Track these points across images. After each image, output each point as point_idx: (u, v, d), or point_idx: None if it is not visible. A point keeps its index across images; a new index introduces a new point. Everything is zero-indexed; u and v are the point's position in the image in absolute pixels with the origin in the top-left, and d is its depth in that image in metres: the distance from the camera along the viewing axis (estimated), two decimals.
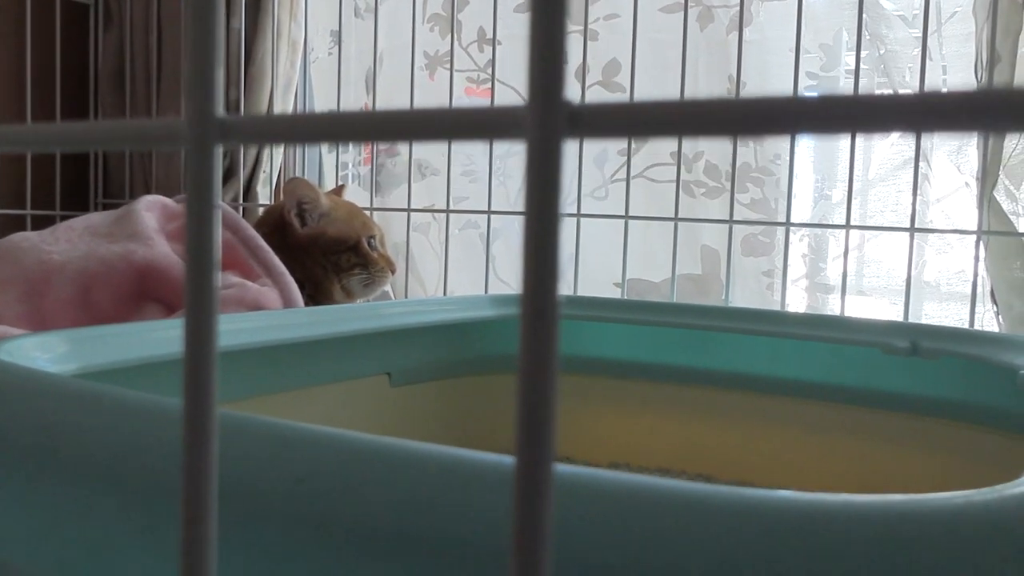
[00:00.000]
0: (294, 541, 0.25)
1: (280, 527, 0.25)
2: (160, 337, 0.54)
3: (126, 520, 0.29)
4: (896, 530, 0.21)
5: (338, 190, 1.16)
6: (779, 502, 0.22)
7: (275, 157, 1.34)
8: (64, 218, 0.97)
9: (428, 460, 0.25)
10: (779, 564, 0.20)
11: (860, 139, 1.12)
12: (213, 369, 0.13)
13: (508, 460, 0.24)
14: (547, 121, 0.10)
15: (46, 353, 0.46)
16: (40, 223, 1.24)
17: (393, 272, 1.06)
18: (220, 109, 0.13)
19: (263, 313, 0.75)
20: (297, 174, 1.42)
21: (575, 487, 0.23)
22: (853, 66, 0.94)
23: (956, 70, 1.05)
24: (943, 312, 1.11)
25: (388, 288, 1.26)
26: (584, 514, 0.22)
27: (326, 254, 1.02)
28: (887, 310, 1.15)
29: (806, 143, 1.19)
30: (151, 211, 0.95)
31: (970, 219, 0.91)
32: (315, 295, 1.01)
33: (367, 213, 1.11)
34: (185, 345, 0.14)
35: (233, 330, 0.61)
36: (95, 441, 0.31)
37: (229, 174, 1.34)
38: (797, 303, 1.18)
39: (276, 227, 1.02)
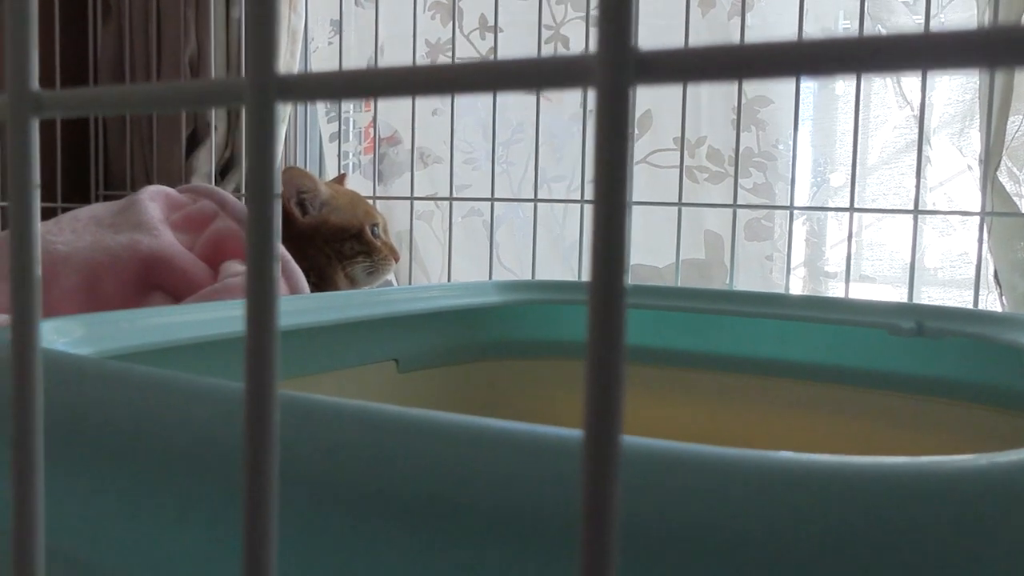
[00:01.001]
0: (326, 512, 0.25)
1: (312, 498, 0.25)
2: (174, 322, 0.54)
3: (154, 499, 0.29)
4: (929, 491, 0.22)
5: (339, 179, 1.16)
6: (828, 466, 0.22)
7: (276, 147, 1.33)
8: (66, 210, 0.97)
9: (468, 431, 0.25)
10: (829, 527, 0.21)
11: (860, 122, 1.13)
12: (274, 320, 0.13)
13: (556, 432, 0.25)
14: (617, 67, 0.10)
15: (63, 337, 0.46)
16: (42, 215, 1.23)
17: (397, 260, 1.07)
18: (279, 67, 0.13)
19: None
20: (299, 163, 1.42)
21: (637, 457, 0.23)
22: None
23: None
24: (946, 296, 1.11)
25: (392, 277, 1.26)
26: (648, 484, 0.22)
27: (329, 242, 1.02)
28: (890, 295, 1.15)
29: (806, 126, 1.19)
30: (155, 201, 0.95)
31: (973, 202, 0.91)
32: (319, 284, 1.01)
33: (370, 202, 1.11)
34: (247, 307, 0.14)
35: (238, 316, 0.61)
36: (129, 421, 0.31)
37: (231, 165, 1.34)
38: (798, 289, 1.19)
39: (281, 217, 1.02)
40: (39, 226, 0.14)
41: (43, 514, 0.15)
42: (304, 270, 0.90)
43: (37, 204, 0.15)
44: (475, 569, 0.22)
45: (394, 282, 1.31)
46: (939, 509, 0.21)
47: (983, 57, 0.09)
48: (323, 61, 1.42)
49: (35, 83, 0.14)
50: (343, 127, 1.40)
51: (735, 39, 1.01)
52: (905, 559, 0.20)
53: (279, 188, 0.13)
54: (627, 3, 0.10)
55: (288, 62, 1.32)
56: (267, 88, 0.13)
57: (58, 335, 0.46)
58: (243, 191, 1.30)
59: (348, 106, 1.43)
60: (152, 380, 0.32)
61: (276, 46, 0.13)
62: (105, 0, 1.46)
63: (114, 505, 0.29)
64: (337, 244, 1.02)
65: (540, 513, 0.22)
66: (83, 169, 1.47)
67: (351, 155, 1.45)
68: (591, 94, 0.11)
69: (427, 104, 1.30)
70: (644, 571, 0.21)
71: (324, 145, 1.42)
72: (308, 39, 1.39)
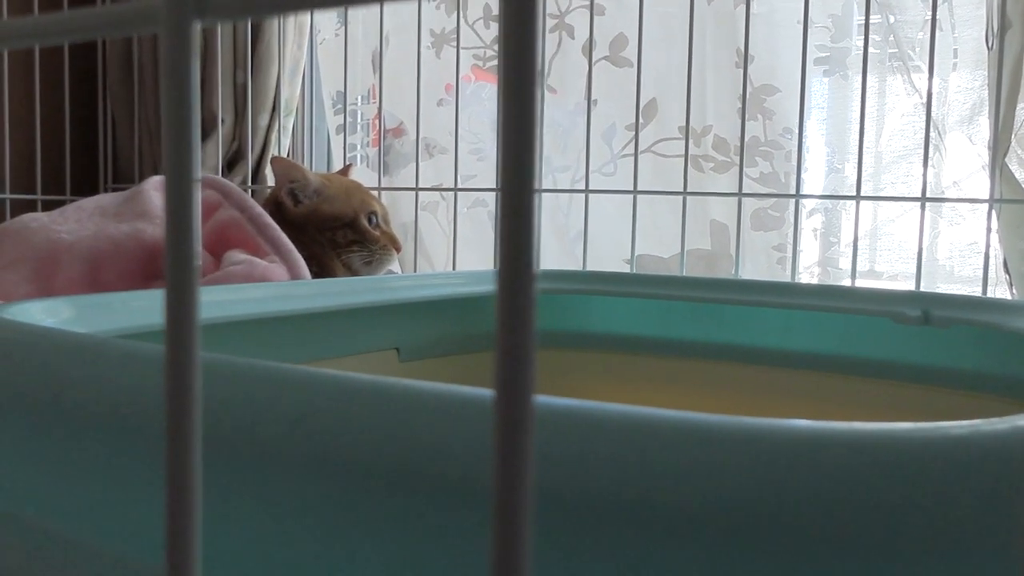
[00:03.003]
0: (291, 480, 0.24)
1: (277, 467, 0.25)
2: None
3: (131, 469, 0.29)
4: (909, 456, 0.21)
5: (344, 170, 1.15)
6: (767, 428, 0.21)
7: (283, 139, 1.33)
8: (74, 202, 0.97)
9: (419, 396, 0.25)
10: (768, 489, 0.20)
11: (872, 112, 1.11)
12: (193, 260, 0.12)
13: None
14: (179, 7, 0.10)
15: (52, 317, 0.46)
16: (50, 208, 1.24)
17: (398, 251, 1.06)
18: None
19: (269, 284, 0.75)
20: (306, 156, 1.42)
21: (555, 419, 0.22)
22: (862, 36, 0.93)
23: (967, 38, 1.04)
24: (956, 290, 1.10)
25: (396, 268, 1.26)
26: (564, 444, 0.21)
27: (321, 231, 1.02)
28: (900, 287, 1.14)
29: (818, 116, 1.18)
30: (159, 191, 0.95)
31: (983, 192, 0.90)
32: (320, 273, 1.01)
33: (373, 193, 1.11)
34: (167, 246, 0.13)
35: (239, 300, 0.61)
36: (97, 391, 0.31)
37: (237, 157, 1.34)
38: (808, 281, 1.17)
39: (274, 208, 1.02)
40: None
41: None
42: (305, 259, 0.89)
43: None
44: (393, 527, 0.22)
45: (398, 270, 1.31)
46: (917, 474, 0.20)
47: None
48: (330, 53, 1.42)
49: None
50: (350, 119, 1.40)
51: (741, 27, 1.00)
52: (895, 524, 0.19)
53: (197, 117, 0.13)
54: None
55: (295, 54, 1.32)
56: (183, 5, 0.12)
57: (47, 315, 0.46)
58: (249, 184, 1.30)
59: (355, 98, 1.43)
60: (88, 345, 0.32)
61: None
62: None
63: (54, 468, 0.28)
64: (329, 232, 1.02)
65: (463, 474, 0.22)
66: (92, 162, 1.47)
67: (358, 147, 1.45)
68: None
69: (432, 95, 1.30)
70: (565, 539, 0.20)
71: (331, 138, 1.42)
72: (315, 31, 1.39)
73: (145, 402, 0.29)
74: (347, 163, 1.22)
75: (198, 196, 0.13)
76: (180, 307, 0.14)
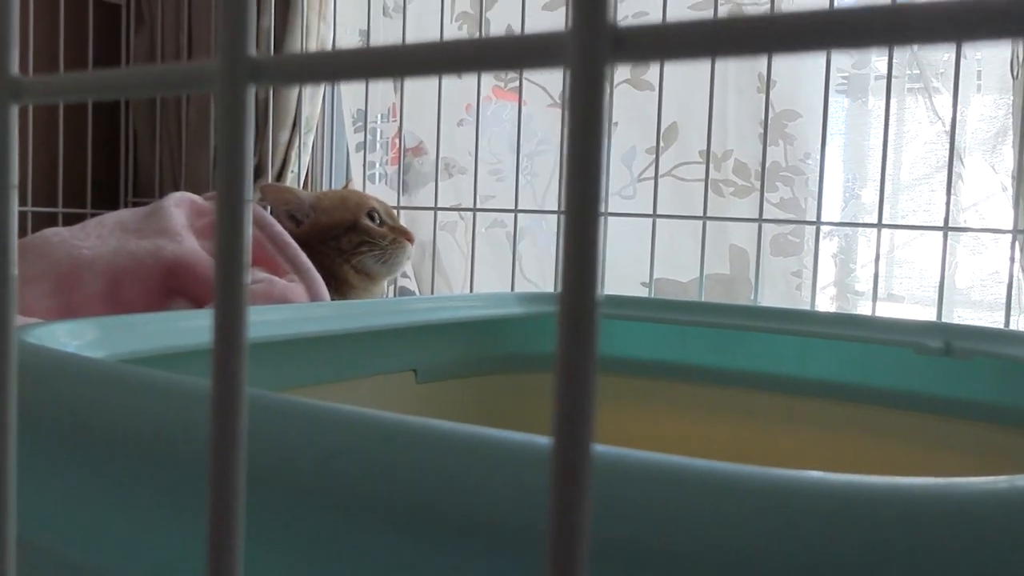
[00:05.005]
0: (326, 518, 0.24)
1: (312, 505, 0.25)
2: (189, 326, 0.54)
3: (158, 501, 0.29)
4: (941, 511, 0.21)
5: (344, 187, 1.17)
6: (817, 484, 0.21)
7: (303, 156, 1.34)
8: (95, 216, 0.98)
9: (461, 440, 0.25)
10: (814, 544, 0.20)
11: (892, 138, 1.11)
12: (243, 303, 0.12)
13: (542, 441, 0.24)
14: (591, 44, 0.10)
15: (76, 339, 0.46)
16: (71, 221, 1.25)
17: (411, 241, 1.05)
18: (252, 49, 0.13)
19: (288, 306, 0.75)
20: (326, 174, 1.42)
21: (613, 468, 0.22)
22: (885, 58, 0.92)
23: (991, 60, 1.04)
24: (977, 317, 1.09)
25: (414, 287, 1.26)
26: (622, 495, 0.21)
27: (324, 242, 1.02)
28: (919, 315, 1.13)
29: (837, 141, 1.18)
30: (180, 207, 0.95)
31: (1005, 220, 0.89)
32: (335, 284, 1.01)
33: (372, 195, 1.11)
34: (216, 297, 0.13)
35: (257, 322, 0.61)
36: (126, 422, 0.31)
37: (257, 173, 1.34)
38: (825, 307, 1.17)
39: None
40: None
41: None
42: (324, 278, 0.90)
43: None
44: None
45: (416, 291, 1.31)
46: (952, 533, 0.20)
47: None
48: None
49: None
50: (369, 137, 1.40)
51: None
52: None
53: (251, 175, 0.13)
54: None
55: None
56: (238, 70, 0.12)
57: (71, 337, 0.46)
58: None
59: (375, 116, 1.44)
60: (118, 375, 0.32)
61: (249, 26, 0.12)
62: (138, 8, 1.47)
63: (79, 498, 0.28)
64: (333, 242, 1.02)
65: (511, 522, 0.21)
66: (113, 176, 1.48)
67: (377, 165, 1.45)
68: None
69: (453, 115, 1.30)
70: None
71: (351, 155, 1.43)
72: (337, 48, 1.39)
73: (169, 431, 0.29)
74: (347, 180, 1.23)
75: (247, 277, 0.13)
76: (229, 339, 0.14)
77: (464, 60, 0.11)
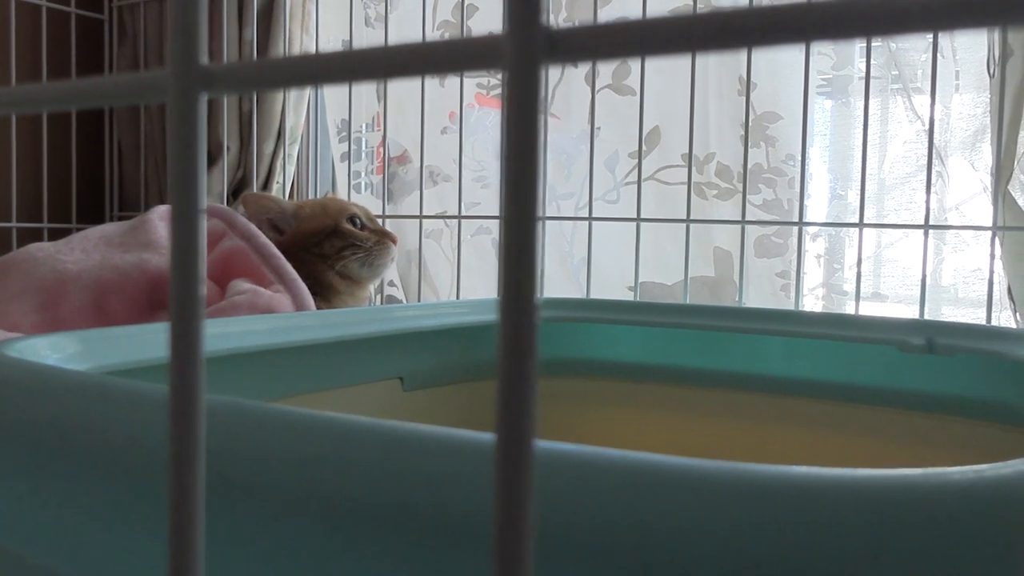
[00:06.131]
0: (295, 524, 0.24)
1: (280, 511, 0.25)
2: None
3: (133, 510, 0.29)
4: (909, 504, 0.21)
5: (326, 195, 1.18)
6: (769, 476, 0.21)
7: (288, 167, 1.34)
8: (80, 231, 0.98)
9: (422, 440, 0.25)
10: (767, 539, 0.20)
11: (874, 139, 1.12)
12: (200, 306, 0.12)
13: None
14: (527, 46, 0.10)
15: (57, 353, 0.46)
16: (57, 236, 1.25)
17: (394, 242, 1.05)
18: (204, 58, 0.13)
19: (273, 315, 0.75)
20: (310, 184, 1.42)
21: (558, 463, 0.22)
22: (864, 64, 0.93)
23: (968, 65, 1.05)
24: (962, 314, 1.10)
25: (401, 295, 1.26)
26: (566, 490, 0.21)
27: (307, 249, 1.02)
28: (904, 314, 1.14)
29: (820, 142, 1.18)
30: (165, 220, 0.96)
31: (986, 218, 0.90)
32: (319, 291, 1.01)
33: (354, 201, 1.11)
34: (171, 300, 0.14)
35: (243, 332, 0.61)
36: (103, 432, 0.31)
37: (243, 185, 1.34)
38: (812, 307, 1.17)
39: None
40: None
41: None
42: (309, 286, 0.90)
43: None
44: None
45: (403, 299, 1.31)
46: (916, 524, 0.20)
47: (998, 14, 0.09)
48: None
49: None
50: (354, 147, 1.40)
51: (743, 54, 1.00)
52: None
53: (204, 184, 0.13)
54: None
55: None
56: (190, 78, 0.13)
57: (52, 350, 0.46)
58: None
59: (359, 125, 1.44)
60: (94, 386, 0.32)
61: (201, 35, 0.13)
62: (120, 22, 1.47)
63: (59, 508, 0.28)
64: (316, 248, 1.02)
65: (464, 517, 0.22)
66: (98, 190, 1.48)
67: (362, 175, 1.45)
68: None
69: (436, 122, 1.31)
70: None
71: (336, 165, 1.43)
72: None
73: (146, 442, 0.29)
74: (327, 193, 1.24)
75: (203, 288, 0.13)
76: (185, 349, 0.14)
77: (407, 64, 0.11)
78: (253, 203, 1.06)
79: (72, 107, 0.13)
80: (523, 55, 0.10)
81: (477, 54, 0.10)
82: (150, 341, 0.53)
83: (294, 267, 0.99)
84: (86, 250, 0.92)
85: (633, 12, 1.17)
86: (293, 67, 0.12)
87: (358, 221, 1.05)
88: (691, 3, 1.03)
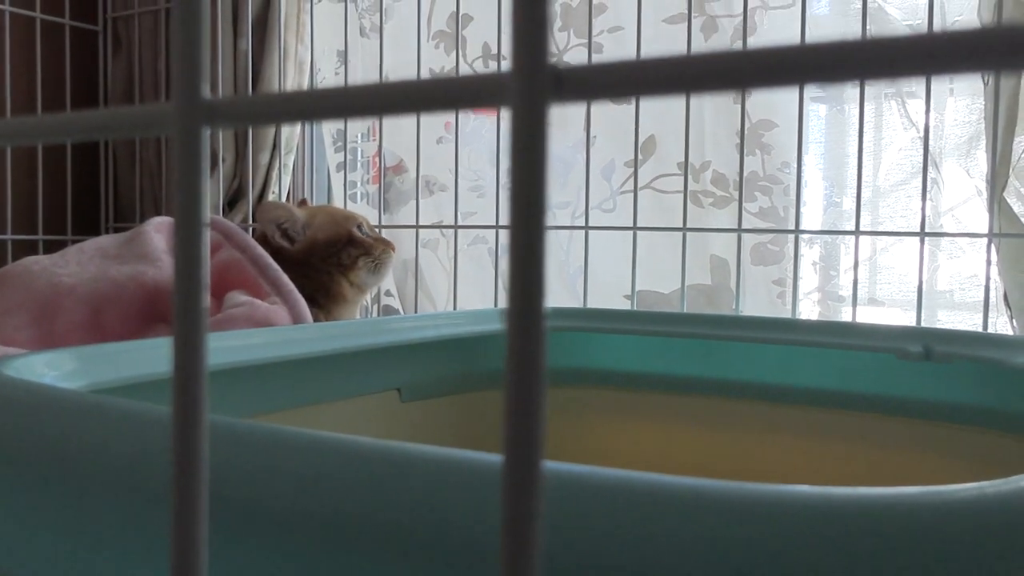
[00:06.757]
0: (293, 542, 0.24)
1: (281, 529, 0.25)
2: (168, 355, 0.53)
3: (133, 530, 0.29)
4: (911, 522, 0.21)
5: (300, 203, 1.19)
6: (770, 496, 0.21)
7: (284, 177, 1.34)
8: (76, 243, 0.98)
9: (424, 461, 0.25)
10: (773, 559, 0.20)
11: (869, 145, 1.12)
12: (203, 331, 0.12)
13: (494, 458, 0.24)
14: (532, 84, 0.10)
15: (54, 370, 0.46)
16: (52, 248, 1.24)
17: (394, 250, 1.07)
18: (206, 92, 0.13)
19: (271, 329, 0.75)
20: (307, 194, 1.42)
21: (566, 484, 0.22)
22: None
23: (961, 80, 1.05)
24: (958, 320, 1.10)
25: (398, 305, 1.26)
26: (575, 511, 0.21)
27: (325, 258, 1.03)
28: (900, 319, 1.14)
29: (816, 149, 1.18)
30: (160, 232, 0.95)
31: (982, 224, 0.90)
32: (327, 302, 1.02)
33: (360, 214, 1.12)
34: (174, 329, 0.14)
35: (240, 346, 0.61)
36: (101, 453, 0.31)
37: (238, 196, 1.34)
38: (809, 313, 1.18)
39: (271, 253, 1.03)
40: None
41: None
42: (309, 296, 0.90)
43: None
44: None
45: (400, 309, 1.31)
46: (920, 543, 0.20)
47: (988, 61, 0.09)
48: None
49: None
50: (350, 157, 1.40)
51: None
52: None
53: (207, 216, 0.13)
54: (541, 20, 0.10)
55: None
56: (194, 112, 0.12)
57: (50, 368, 0.46)
58: (250, 223, 1.30)
59: (355, 136, 1.44)
60: (92, 406, 0.32)
61: (203, 69, 0.13)
62: (115, 33, 1.47)
63: (57, 529, 0.28)
64: (334, 257, 1.03)
65: (470, 538, 0.21)
66: (93, 202, 1.48)
67: (359, 184, 1.45)
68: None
69: (432, 132, 1.31)
70: None
71: (332, 175, 1.43)
72: (315, 70, 1.40)
73: (144, 463, 0.29)
74: (302, 198, 1.25)
75: (206, 319, 0.13)
76: (188, 377, 0.14)
77: (411, 101, 0.11)
78: (267, 211, 1.06)
79: (74, 139, 0.13)
80: (530, 94, 0.10)
81: (483, 93, 0.10)
82: (147, 357, 0.53)
83: (309, 277, 1.00)
84: (82, 263, 0.92)
85: (627, 20, 1.17)
86: (294, 103, 0.12)
87: (363, 230, 1.06)
88: (685, 11, 1.03)
